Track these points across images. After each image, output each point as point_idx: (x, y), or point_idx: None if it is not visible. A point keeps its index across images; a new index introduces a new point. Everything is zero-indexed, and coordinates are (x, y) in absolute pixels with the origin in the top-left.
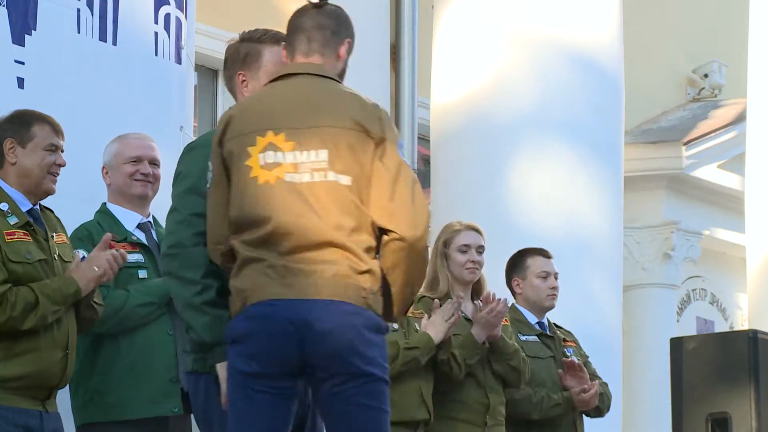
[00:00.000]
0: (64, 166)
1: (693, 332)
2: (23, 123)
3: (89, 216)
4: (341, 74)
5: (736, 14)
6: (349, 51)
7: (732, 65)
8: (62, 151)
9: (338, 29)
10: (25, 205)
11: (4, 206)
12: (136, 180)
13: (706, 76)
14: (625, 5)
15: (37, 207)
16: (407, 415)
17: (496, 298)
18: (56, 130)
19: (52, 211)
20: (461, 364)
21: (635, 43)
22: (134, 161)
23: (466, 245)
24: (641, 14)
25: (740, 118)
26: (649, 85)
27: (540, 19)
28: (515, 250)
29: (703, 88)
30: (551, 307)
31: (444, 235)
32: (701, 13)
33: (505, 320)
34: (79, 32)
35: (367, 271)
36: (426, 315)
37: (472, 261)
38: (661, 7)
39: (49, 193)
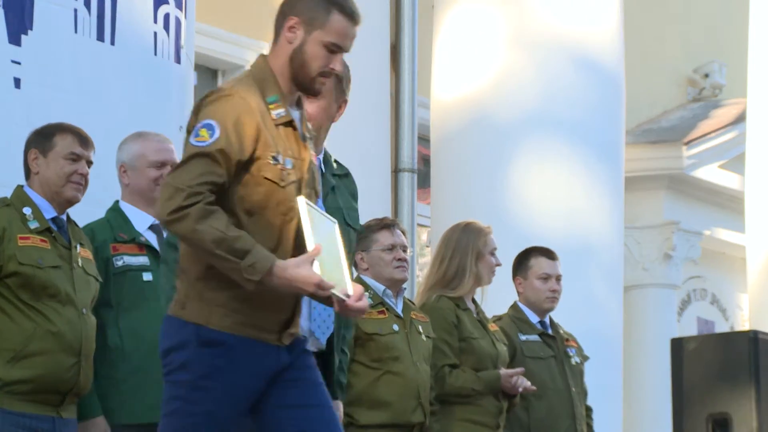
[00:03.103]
0: (86, 175)
1: (693, 332)
2: (46, 134)
3: (88, 215)
4: (294, 56)
5: (736, 14)
6: (304, 27)
7: (732, 65)
8: (90, 162)
9: (286, 9)
10: (49, 213)
11: (27, 210)
12: (159, 185)
13: (706, 76)
14: (625, 5)
15: (64, 217)
16: (403, 418)
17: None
18: (81, 140)
19: (78, 226)
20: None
21: (635, 43)
22: (158, 166)
23: (494, 249)
24: (641, 14)
25: (740, 118)
26: (649, 85)
27: (540, 19)
28: (515, 250)
29: (704, 88)
30: (550, 310)
31: (479, 235)
32: (701, 13)
33: (493, 325)
34: (76, 32)
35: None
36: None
37: (497, 265)
38: (661, 7)
39: (71, 201)
